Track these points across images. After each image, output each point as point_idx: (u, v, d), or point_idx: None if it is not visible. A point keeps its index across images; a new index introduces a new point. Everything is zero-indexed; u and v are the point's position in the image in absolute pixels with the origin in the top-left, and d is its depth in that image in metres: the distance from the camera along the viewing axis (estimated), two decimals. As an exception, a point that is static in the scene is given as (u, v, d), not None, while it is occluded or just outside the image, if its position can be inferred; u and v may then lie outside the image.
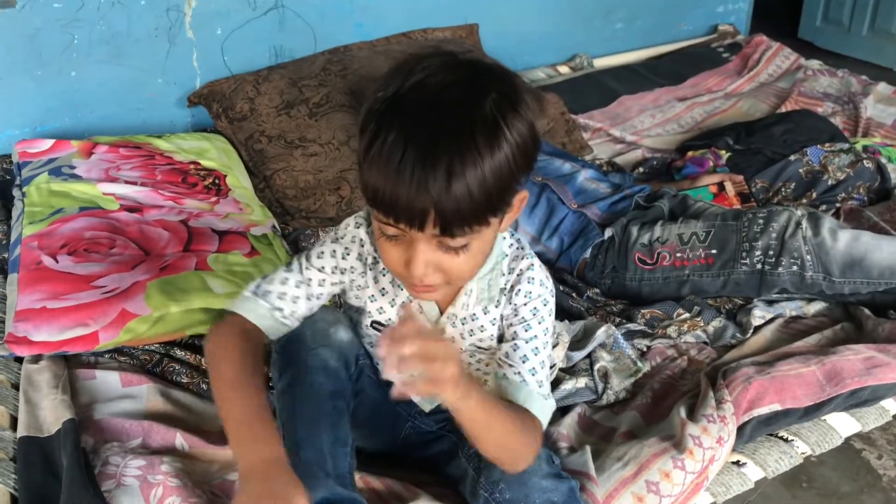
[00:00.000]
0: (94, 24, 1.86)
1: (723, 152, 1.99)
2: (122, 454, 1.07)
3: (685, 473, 1.08)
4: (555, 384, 1.27)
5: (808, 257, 1.45)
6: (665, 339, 1.42)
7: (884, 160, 1.91)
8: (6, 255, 1.51)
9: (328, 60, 2.03)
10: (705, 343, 1.44)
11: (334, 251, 1.00)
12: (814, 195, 1.83)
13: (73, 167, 1.66)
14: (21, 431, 1.12)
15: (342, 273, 1.01)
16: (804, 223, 1.48)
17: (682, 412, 1.16)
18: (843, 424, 1.25)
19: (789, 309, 1.49)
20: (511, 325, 1.00)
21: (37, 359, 1.25)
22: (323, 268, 1.00)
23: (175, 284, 1.35)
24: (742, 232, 1.50)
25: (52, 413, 1.13)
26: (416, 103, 0.79)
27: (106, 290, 1.32)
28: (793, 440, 1.20)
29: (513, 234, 1.03)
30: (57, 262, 1.37)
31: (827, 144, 1.93)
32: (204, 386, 1.24)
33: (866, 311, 1.45)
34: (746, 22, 3.05)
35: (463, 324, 1.02)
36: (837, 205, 1.80)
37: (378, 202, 0.81)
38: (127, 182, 1.63)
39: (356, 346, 1.06)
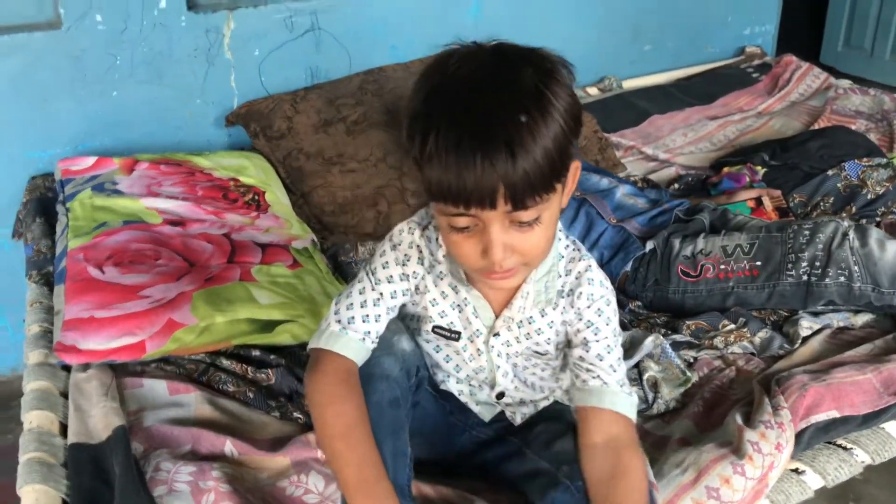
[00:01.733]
0: (137, 46, 1.89)
1: (759, 168, 1.98)
2: (172, 460, 1.06)
3: (745, 479, 1.05)
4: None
5: (856, 268, 1.43)
6: (711, 351, 1.40)
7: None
8: (52, 269, 1.53)
9: (364, 80, 2.05)
10: (752, 354, 1.41)
11: (396, 258, 1.00)
12: (853, 209, 1.81)
13: (115, 183, 1.68)
14: (71, 439, 1.11)
15: (408, 280, 1.00)
16: (851, 234, 1.46)
17: (739, 419, 1.14)
18: (902, 433, 1.22)
19: (836, 320, 1.46)
20: (578, 330, 1.00)
21: (84, 367, 1.25)
22: (391, 277, 0.99)
23: (220, 295, 1.35)
24: (787, 243, 1.49)
25: (102, 420, 1.12)
26: (457, 93, 0.81)
27: (152, 300, 1.32)
28: (852, 448, 1.17)
29: (568, 236, 1.03)
30: (103, 272, 1.38)
31: (864, 159, 1.91)
32: (250, 395, 1.23)
33: (917, 322, 1.43)
34: (773, 44, 3.05)
35: (519, 327, 1.01)
36: (878, 219, 1.78)
37: (446, 194, 0.81)
38: (169, 197, 1.65)
39: (418, 357, 1.05)
